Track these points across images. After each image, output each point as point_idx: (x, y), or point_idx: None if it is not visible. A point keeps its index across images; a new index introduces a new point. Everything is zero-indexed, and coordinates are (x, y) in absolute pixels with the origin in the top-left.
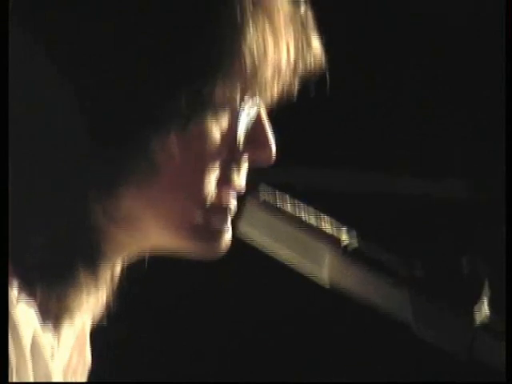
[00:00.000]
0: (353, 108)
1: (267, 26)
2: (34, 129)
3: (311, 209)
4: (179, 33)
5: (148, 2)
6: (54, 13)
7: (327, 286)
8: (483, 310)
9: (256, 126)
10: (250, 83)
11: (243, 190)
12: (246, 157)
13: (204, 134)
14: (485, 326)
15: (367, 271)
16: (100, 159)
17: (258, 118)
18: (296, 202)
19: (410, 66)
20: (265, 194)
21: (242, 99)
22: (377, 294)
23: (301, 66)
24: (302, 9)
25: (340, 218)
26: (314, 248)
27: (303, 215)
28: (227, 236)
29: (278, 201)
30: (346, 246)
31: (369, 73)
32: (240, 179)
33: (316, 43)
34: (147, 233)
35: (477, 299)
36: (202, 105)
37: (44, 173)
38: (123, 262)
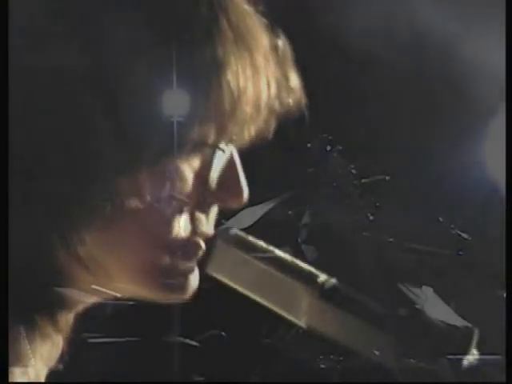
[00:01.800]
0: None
1: (248, 62)
2: None
3: (286, 250)
4: (156, 69)
5: (126, 35)
6: None
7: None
8: (469, 359)
9: (228, 168)
10: (227, 122)
11: (212, 233)
12: (216, 199)
13: (174, 175)
14: (471, 374)
15: (347, 315)
16: (65, 198)
17: (231, 160)
18: (269, 243)
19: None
20: (235, 235)
21: (217, 139)
22: (358, 338)
23: (279, 103)
24: (281, 42)
25: (317, 259)
26: (289, 291)
27: (277, 256)
28: (194, 282)
29: (249, 242)
30: (324, 288)
31: (351, 107)
32: (209, 222)
33: (295, 79)
34: (111, 279)
35: (464, 347)
36: (175, 145)
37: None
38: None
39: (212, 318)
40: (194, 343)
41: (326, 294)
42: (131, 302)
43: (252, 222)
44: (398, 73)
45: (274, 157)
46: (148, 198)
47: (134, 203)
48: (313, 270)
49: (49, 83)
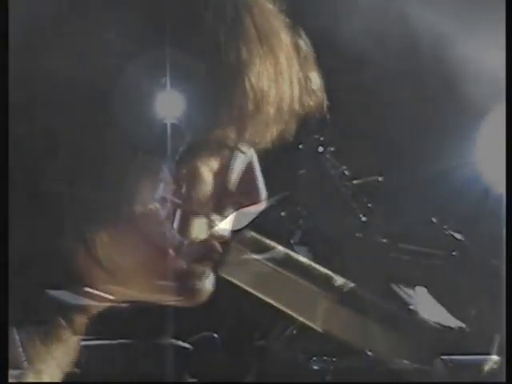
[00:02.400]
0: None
1: (271, 62)
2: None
3: (302, 254)
4: (181, 72)
5: (151, 39)
6: None
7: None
8: (488, 365)
9: (247, 171)
10: (248, 124)
11: (228, 236)
12: (234, 202)
13: (193, 177)
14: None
15: (365, 319)
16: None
17: (250, 163)
18: (286, 246)
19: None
20: (251, 237)
21: (237, 141)
22: (375, 342)
23: (301, 104)
24: (303, 43)
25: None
26: (305, 294)
27: (293, 259)
28: (210, 285)
29: (265, 245)
30: (342, 292)
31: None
32: (227, 226)
33: (316, 80)
34: (127, 283)
35: (483, 353)
36: (195, 146)
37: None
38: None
39: (205, 319)
40: (186, 345)
41: (344, 298)
42: (124, 304)
43: (245, 224)
44: (391, 73)
45: (267, 158)
46: (162, 201)
47: (147, 207)
48: (330, 273)
49: (43, 84)
